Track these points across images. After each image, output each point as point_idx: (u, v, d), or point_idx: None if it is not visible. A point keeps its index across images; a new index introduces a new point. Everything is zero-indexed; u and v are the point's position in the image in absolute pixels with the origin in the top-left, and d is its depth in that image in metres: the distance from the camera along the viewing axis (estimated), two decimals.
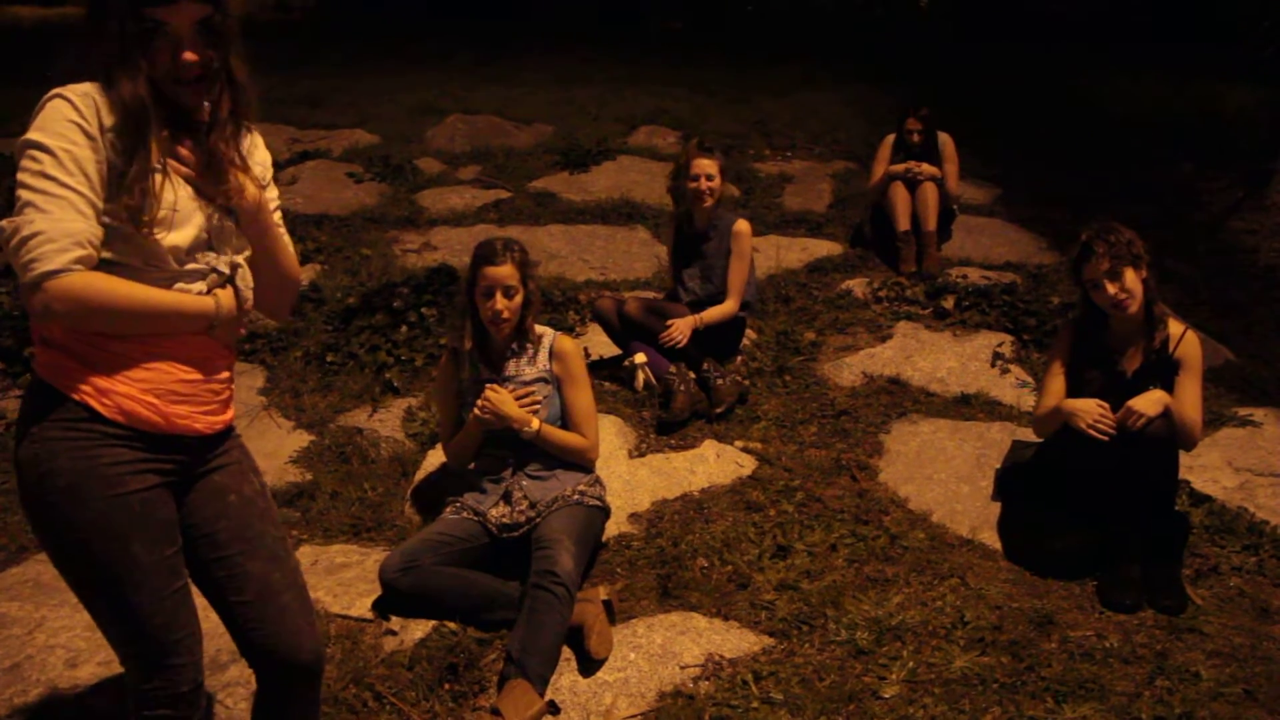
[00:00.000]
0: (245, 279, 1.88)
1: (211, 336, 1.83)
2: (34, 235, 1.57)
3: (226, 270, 1.83)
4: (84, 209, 1.61)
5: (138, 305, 1.69)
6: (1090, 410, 3.09)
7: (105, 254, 1.65)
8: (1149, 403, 3.04)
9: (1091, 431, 3.06)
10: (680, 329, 4.26)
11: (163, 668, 1.82)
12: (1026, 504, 3.47)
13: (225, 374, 1.90)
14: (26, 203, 1.59)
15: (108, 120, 1.65)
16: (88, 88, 1.66)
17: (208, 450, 1.90)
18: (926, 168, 5.87)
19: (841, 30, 13.66)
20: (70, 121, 1.62)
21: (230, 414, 1.95)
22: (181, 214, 1.73)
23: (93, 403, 1.69)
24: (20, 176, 1.61)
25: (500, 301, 3.11)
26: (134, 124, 1.66)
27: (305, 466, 3.82)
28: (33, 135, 1.61)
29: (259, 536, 1.96)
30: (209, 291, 1.80)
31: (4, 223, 1.61)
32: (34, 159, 1.60)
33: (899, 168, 5.91)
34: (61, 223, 1.59)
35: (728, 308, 4.43)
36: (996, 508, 3.53)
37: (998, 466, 3.69)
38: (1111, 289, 3.13)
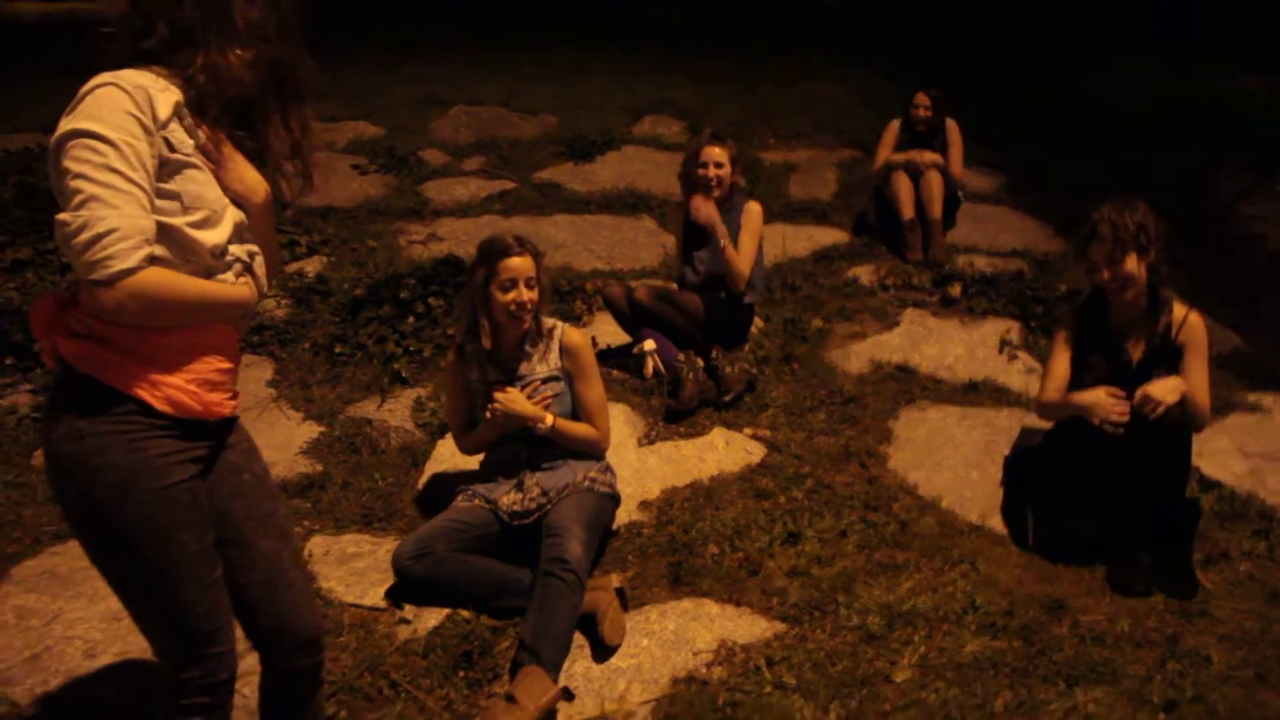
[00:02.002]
0: (260, 266, 1.91)
1: (234, 323, 1.86)
2: (109, 232, 1.54)
3: (247, 259, 1.85)
4: (146, 205, 1.60)
5: (197, 298, 1.72)
6: (1102, 404, 3.07)
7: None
8: (1166, 390, 3.01)
9: (1105, 427, 3.05)
10: (700, 202, 4.31)
11: (204, 656, 1.83)
12: (1036, 490, 3.47)
13: (239, 358, 1.95)
14: (91, 196, 1.54)
15: (162, 113, 1.64)
16: (139, 78, 1.63)
17: (225, 431, 1.93)
18: (929, 156, 5.86)
19: (846, 18, 13.60)
20: (128, 113, 1.59)
21: (239, 397, 1.98)
22: (219, 212, 1.75)
23: (145, 395, 1.69)
24: (79, 168, 1.55)
25: (524, 292, 3.09)
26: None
27: (315, 458, 3.83)
28: (89, 125, 1.56)
29: (269, 514, 1.99)
30: (236, 280, 1.83)
31: (64, 216, 1.55)
32: (95, 150, 1.56)
33: (899, 157, 5.90)
34: (133, 219, 1.57)
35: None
36: (1005, 495, 3.53)
37: (1006, 453, 3.69)
38: (1106, 274, 3.13)
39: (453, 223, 6.27)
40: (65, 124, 1.57)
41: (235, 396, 1.93)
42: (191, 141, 1.71)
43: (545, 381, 3.19)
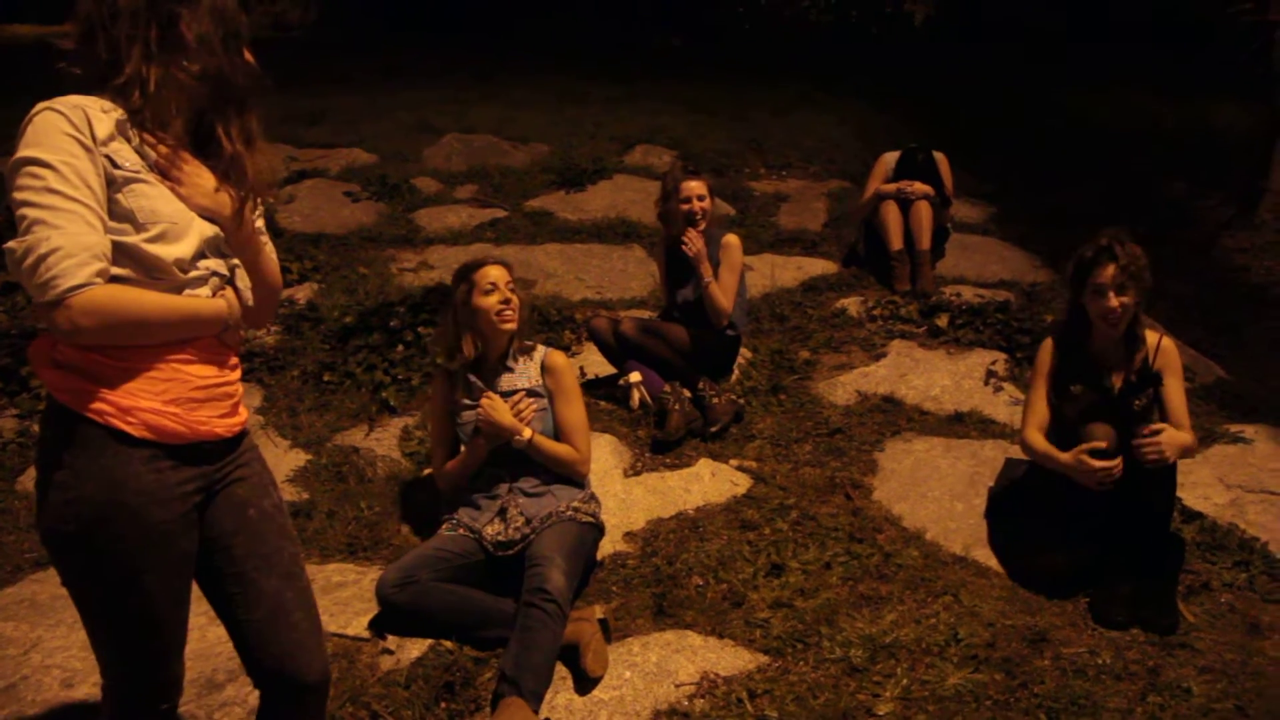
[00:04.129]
0: (243, 279, 1.90)
1: (221, 339, 1.83)
2: (52, 252, 1.54)
3: (226, 272, 1.84)
4: (93, 222, 1.59)
5: (160, 314, 1.69)
6: (1091, 472, 3.07)
7: (114, 269, 1.64)
8: (1173, 448, 3.03)
9: (1098, 490, 3.07)
10: (693, 235, 4.36)
11: (153, 685, 1.85)
12: (1020, 522, 3.48)
13: (235, 373, 1.90)
14: (36, 220, 1.55)
15: (101, 131, 1.64)
16: (77, 100, 1.64)
17: (227, 455, 1.88)
18: (919, 186, 5.88)
19: (837, 48, 13.72)
20: (66, 134, 1.60)
21: (244, 415, 1.93)
22: (180, 225, 1.73)
23: (117, 423, 1.66)
24: (22, 195, 1.56)
25: (506, 292, 3.24)
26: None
27: (302, 485, 3.84)
28: (29, 152, 1.58)
29: (275, 553, 1.95)
30: (214, 295, 1.80)
31: (11, 244, 1.57)
32: (35, 175, 1.57)
33: (890, 187, 5.93)
34: (77, 237, 1.56)
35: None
36: (989, 526, 3.54)
37: (991, 485, 3.70)
38: (1114, 301, 3.13)
39: (444, 250, 6.29)
40: (12, 157, 1.59)
41: (235, 413, 1.88)
42: (140, 160, 1.70)
43: (529, 394, 3.24)
